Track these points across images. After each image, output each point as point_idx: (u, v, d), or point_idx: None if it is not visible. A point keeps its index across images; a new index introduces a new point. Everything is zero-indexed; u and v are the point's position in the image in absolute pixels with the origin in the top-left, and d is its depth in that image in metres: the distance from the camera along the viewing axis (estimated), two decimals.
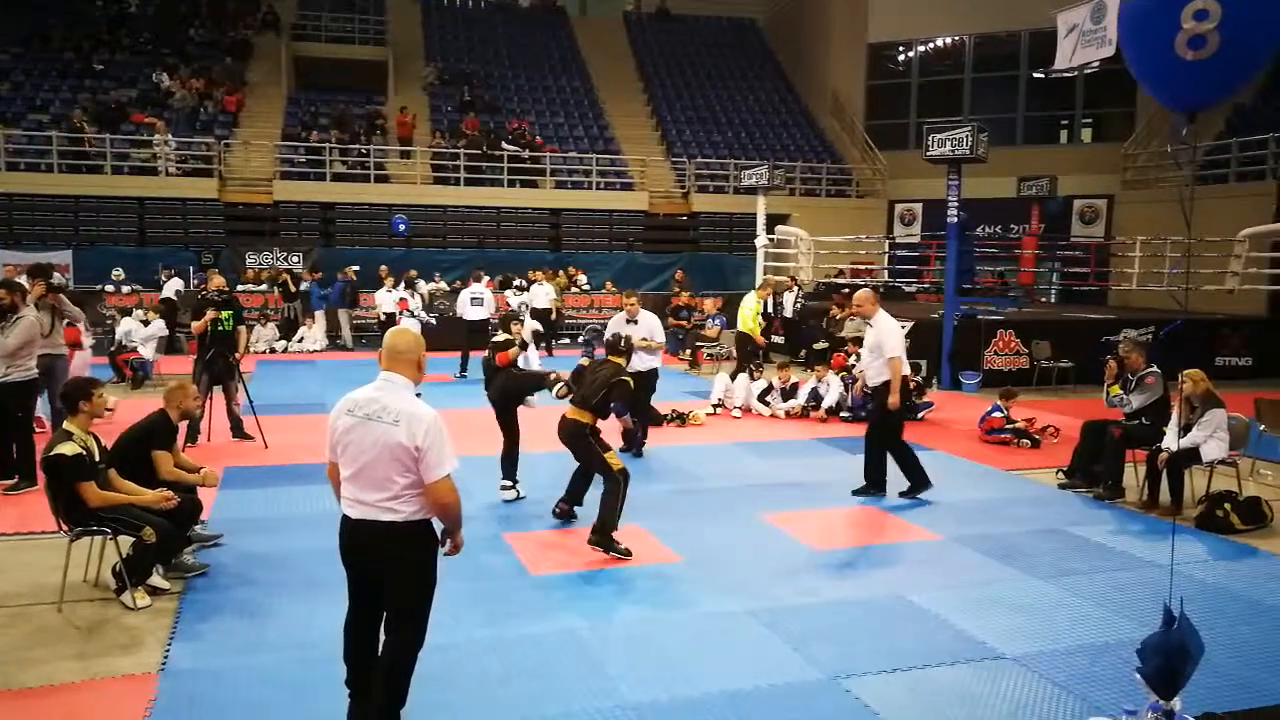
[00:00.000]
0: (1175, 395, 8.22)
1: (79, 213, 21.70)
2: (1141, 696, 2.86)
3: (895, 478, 8.58)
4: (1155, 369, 8.72)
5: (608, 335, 8.86)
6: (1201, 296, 16.72)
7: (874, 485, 8.57)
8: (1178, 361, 8.77)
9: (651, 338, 10.38)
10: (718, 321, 18.09)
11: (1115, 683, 4.76)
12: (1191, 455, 8.00)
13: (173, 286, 18.80)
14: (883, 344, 8.39)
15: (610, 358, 7.52)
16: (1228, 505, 7.69)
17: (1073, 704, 4.62)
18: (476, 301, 15.68)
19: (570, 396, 7.44)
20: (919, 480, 8.52)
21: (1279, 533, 7.59)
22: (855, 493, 8.56)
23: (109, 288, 19.16)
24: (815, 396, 12.61)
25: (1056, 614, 5.88)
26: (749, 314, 14.20)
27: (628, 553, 6.74)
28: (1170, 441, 8.03)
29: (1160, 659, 2.81)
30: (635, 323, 10.45)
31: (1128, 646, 3.03)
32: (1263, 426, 9.50)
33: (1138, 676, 2.88)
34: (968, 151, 14.28)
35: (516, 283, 16.92)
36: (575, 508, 7.60)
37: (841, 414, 12.33)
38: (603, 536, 6.78)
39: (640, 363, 9.89)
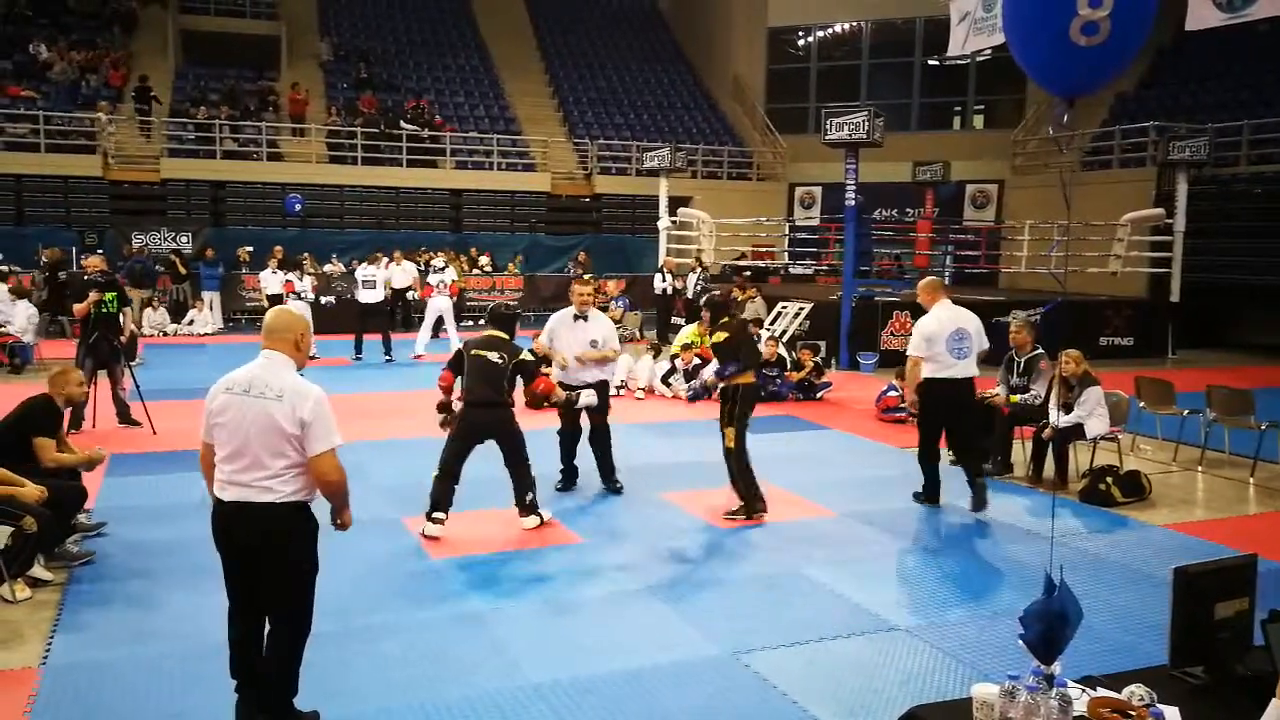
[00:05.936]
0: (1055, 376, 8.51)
1: None
2: (1025, 662, 2.96)
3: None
4: (1041, 351, 8.64)
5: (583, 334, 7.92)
6: (1086, 279, 17.38)
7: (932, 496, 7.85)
8: (1061, 341, 9.03)
9: (605, 344, 8.01)
10: (621, 303, 18.09)
11: (1001, 650, 4.95)
12: (1076, 431, 8.31)
13: None
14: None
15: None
16: (1109, 479, 7.97)
17: (961, 671, 4.78)
18: (369, 284, 15.42)
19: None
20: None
21: (1157, 505, 7.92)
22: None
23: None
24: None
25: (946, 585, 6.06)
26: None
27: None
28: (1053, 418, 8.33)
29: (1041, 626, 2.91)
30: (584, 319, 7.95)
31: (1013, 615, 3.14)
32: (1142, 403, 9.91)
33: (1020, 643, 2.98)
34: (864, 136, 14.55)
35: (435, 263, 16.60)
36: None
37: None
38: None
39: (591, 374, 7.95)
